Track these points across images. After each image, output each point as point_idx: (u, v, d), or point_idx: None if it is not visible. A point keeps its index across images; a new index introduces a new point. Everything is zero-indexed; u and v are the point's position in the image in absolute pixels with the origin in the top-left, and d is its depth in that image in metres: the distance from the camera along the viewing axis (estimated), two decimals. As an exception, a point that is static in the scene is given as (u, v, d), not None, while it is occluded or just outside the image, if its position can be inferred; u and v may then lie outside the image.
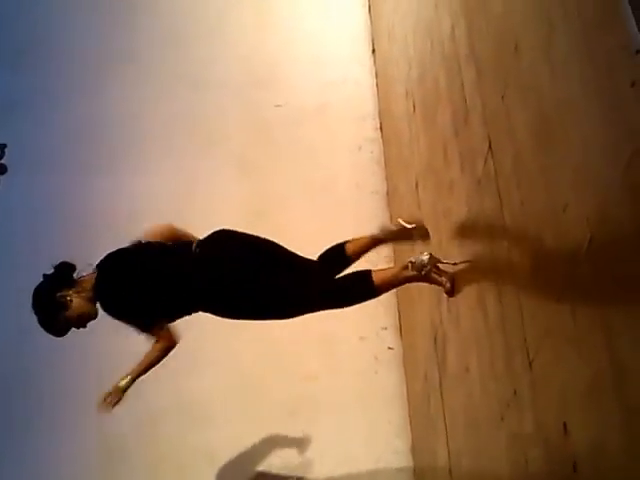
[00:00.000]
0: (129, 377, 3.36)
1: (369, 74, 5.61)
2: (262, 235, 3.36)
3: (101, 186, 5.23)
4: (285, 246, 3.36)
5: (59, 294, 3.19)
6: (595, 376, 1.71)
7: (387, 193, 5.04)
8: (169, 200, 5.00)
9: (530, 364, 2.14)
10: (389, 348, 4.55)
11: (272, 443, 4.35)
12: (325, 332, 4.42)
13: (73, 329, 3.27)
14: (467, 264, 2.93)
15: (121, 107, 5.56)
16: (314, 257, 3.39)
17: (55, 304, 3.18)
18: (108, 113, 5.54)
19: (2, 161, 5.34)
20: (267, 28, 5.91)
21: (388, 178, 5.07)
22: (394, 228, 3.34)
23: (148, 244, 3.31)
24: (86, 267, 3.28)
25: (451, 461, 3.22)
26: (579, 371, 1.80)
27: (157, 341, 3.30)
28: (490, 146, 2.54)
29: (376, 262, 4.66)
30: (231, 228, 3.35)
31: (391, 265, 4.58)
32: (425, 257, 3.10)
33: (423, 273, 3.09)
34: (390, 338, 4.59)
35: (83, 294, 3.21)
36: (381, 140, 5.30)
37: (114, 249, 3.31)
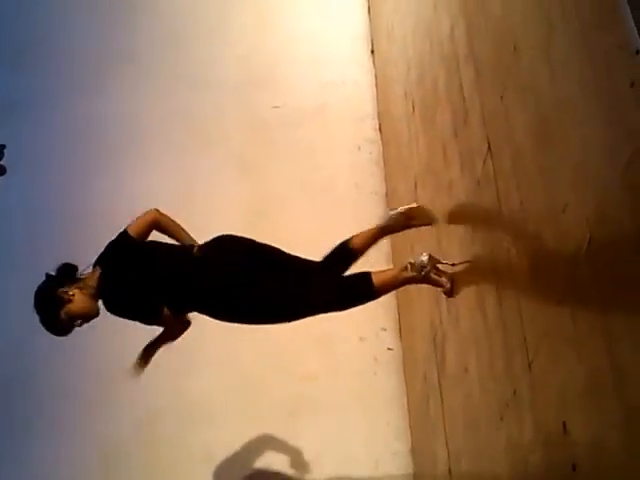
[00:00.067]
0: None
1: (368, 75, 5.61)
2: (264, 240, 3.35)
3: (100, 186, 5.23)
4: (287, 250, 3.35)
5: (61, 290, 3.19)
6: (594, 376, 1.71)
7: (386, 194, 5.04)
8: (168, 200, 4.97)
9: (529, 364, 2.14)
10: (388, 349, 4.55)
11: (271, 443, 4.35)
12: (324, 332, 4.41)
13: (75, 329, 3.27)
14: (466, 264, 2.94)
15: (121, 107, 5.56)
16: (316, 257, 3.38)
17: (56, 300, 3.18)
18: (108, 113, 5.54)
19: (2, 162, 5.34)
20: (266, 28, 5.91)
21: (387, 179, 5.07)
22: (397, 213, 3.32)
23: (149, 244, 3.33)
24: (86, 267, 3.28)
25: (450, 462, 3.22)
26: (578, 371, 1.80)
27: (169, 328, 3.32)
28: (489, 146, 2.54)
29: (375, 263, 4.69)
30: (234, 233, 3.35)
31: (390, 266, 4.59)
32: (424, 258, 3.10)
33: (423, 274, 3.09)
34: (389, 339, 4.59)
35: (85, 290, 3.21)
36: (380, 141, 5.30)
37: (111, 245, 3.30)
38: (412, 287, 3.48)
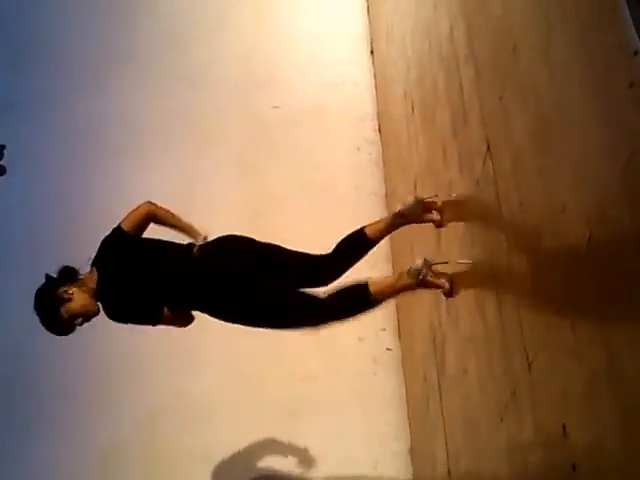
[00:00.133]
0: None
1: (368, 75, 5.61)
2: (267, 240, 3.35)
3: (100, 186, 5.23)
4: (291, 248, 3.34)
5: (61, 289, 3.19)
6: (593, 377, 1.71)
7: (386, 194, 5.04)
8: (168, 200, 4.93)
9: (529, 365, 2.14)
10: (388, 349, 4.55)
11: (271, 443, 4.35)
12: (324, 333, 4.41)
13: (76, 329, 3.27)
14: (465, 264, 2.94)
15: (120, 107, 5.56)
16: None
17: (56, 299, 3.18)
18: (107, 113, 5.54)
19: (1, 162, 5.34)
20: (266, 29, 5.92)
21: (387, 179, 5.07)
22: (416, 201, 3.26)
23: (146, 240, 3.32)
24: (85, 266, 3.28)
25: (450, 462, 3.22)
26: (577, 372, 1.80)
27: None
28: (489, 147, 2.54)
29: (374, 263, 4.69)
30: (236, 233, 3.34)
31: (389, 266, 4.60)
32: (419, 263, 3.12)
33: (420, 278, 3.10)
34: (389, 339, 4.59)
35: (84, 288, 3.21)
36: (380, 141, 5.30)
37: (105, 242, 3.29)
38: (411, 287, 3.48)
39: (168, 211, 3.38)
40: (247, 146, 5.38)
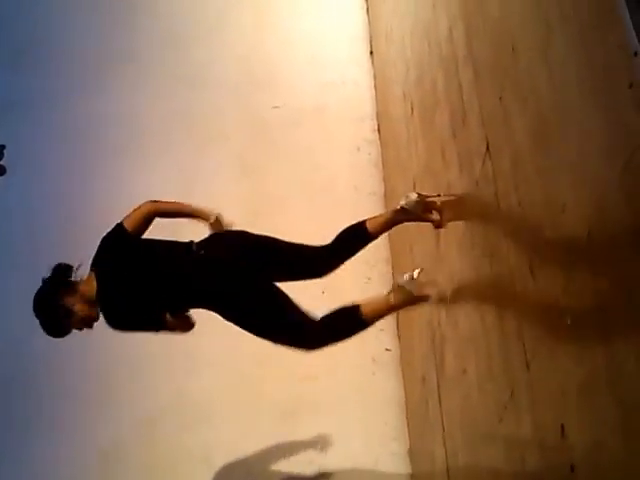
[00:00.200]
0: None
1: (367, 75, 5.61)
2: (264, 233, 3.35)
3: (100, 186, 5.23)
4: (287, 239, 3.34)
5: (61, 303, 3.16)
6: (592, 377, 1.71)
7: (385, 195, 5.04)
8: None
9: (527, 366, 2.14)
10: (387, 350, 4.55)
11: (270, 443, 4.35)
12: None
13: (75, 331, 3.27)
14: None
15: (120, 107, 5.56)
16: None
17: (58, 312, 3.17)
18: (107, 113, 5.54)
19: (1, 162, 5.34)
20: (266, 29, 5.92)
21: (386, 180, 5.07)
22: (419, 198, 3.21)
23: (146, 241, 3.30)
24: (82, 267, 3.27)
25: (449, 463, 3.22)
26: (576, 372, 1.80)
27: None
28: (488, 147, 2.55)
29: (374, 264, 4.69)
30: (230, 228, 3.35)
31: (390, 265, 4.60)
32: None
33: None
34: (388, 340, 4.58)
35: (85, 296, 3.19)
36: (379, 142, 5.30)
37: (106, 241, 3.27)
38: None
39: (172, 202, 3.36)
40: (247, 146, 5.38)
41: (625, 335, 1.57)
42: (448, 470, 3.21)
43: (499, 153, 2.45)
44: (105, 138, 5.48)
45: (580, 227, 1.78)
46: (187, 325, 3.32)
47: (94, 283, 3.20)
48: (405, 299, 3.18)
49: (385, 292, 3.26)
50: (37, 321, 3.22)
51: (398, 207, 3.23)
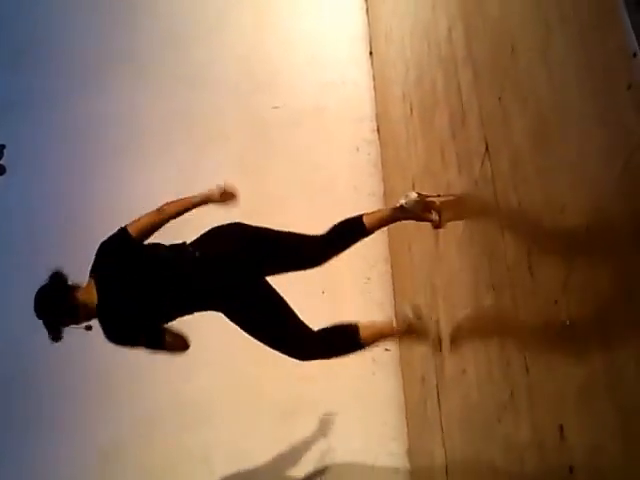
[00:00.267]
0: None
1: (367, 76, 5.62)
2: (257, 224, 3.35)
3: (100, 186, 5.23)
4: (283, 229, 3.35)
5: (64, 319, 3.13)
6: (591, 378, 1.71)
7: (384, 195, 5.04)
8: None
9: (527, 366, 2.14)
10: (386, 350, 4.54)
11: (269, 444, 4.35)
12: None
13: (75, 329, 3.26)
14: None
15: (120, 107, 5.57)
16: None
17: (62, 322, 3.15)
18: (107, 113, 5.54)
19: (1, 162, 5.35)
20: (265, 29, 5.92)
21: (385, 180, 5.07)
22: (418, 198, 3.21)
23: (148, 248, 3.27)
24: (80, 271, 3.25)
25: (448, 463, 3.22)
26: (575, 374, 1.80)
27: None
28: (487, 148, 2.55)
29: (374, 264, 4.69)
30: (223, 223, 3.33)
31: (389, 265, 4.59)
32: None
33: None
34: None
35: (87, 306, 3.14)
36: (378, 142, 5.30)
37: (108, 244, 3.24)
38: (409, 286, 3.48)
39: (175, 203, 3.30)
40: (247, 146, 5.38)
41: (625, 336, 1.57)
42: (447, 469, 3.21)
43: (498, 153, 2.45)
44: (105, 138, 5.48)
45: (579, 227, 1.78)
46: (183, 345, 3.32)
47: (94, 291, 3.14)
48: (406, 328, 3.20)
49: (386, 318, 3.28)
50: (37, 321, 3.21)
51: (397, 205, 3.23)
